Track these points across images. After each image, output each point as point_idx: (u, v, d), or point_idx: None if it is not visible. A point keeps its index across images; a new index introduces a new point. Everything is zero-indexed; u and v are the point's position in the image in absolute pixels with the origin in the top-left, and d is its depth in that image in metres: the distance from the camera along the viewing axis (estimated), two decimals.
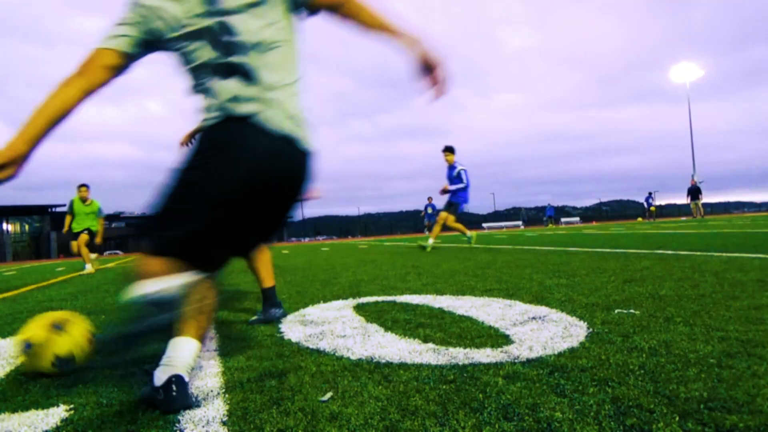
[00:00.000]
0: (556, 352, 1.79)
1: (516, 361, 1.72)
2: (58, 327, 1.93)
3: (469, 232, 8.95)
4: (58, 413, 1.49)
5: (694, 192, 24.88)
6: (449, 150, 8.97)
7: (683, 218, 32.96)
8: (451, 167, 8.86)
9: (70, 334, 1.93)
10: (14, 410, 1.55)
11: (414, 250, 9.73)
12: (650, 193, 31.77)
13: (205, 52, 1.41)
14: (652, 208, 32.05)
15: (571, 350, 1.80)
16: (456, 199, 8.73)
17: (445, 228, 8.85)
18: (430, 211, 23.55)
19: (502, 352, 1.84)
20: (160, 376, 1.44)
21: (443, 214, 8.71)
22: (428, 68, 1.47)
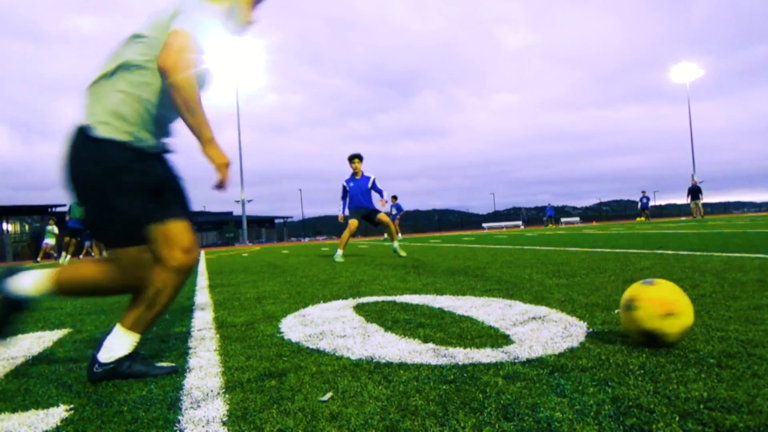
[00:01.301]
0: (556, 352, 1.79)
1: (516, 361, 1.72)
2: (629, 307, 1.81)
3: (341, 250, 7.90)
4: (58, 413, 1.49)
5: (695, 192, 24.92)
6: (360, 158, 8.12)
7: (683, 218, 32.85)
8: (365, 177, 8.07)
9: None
10: (14, 410, 1.55)
11: (413, 249, 9.73)
12: (644, 193, 28.42)
13: None
14: (641, 218, 28.53)
15: (571, 350, 1.80)
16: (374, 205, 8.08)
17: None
18: (394, 212, 22.30)
19: (502, 352, 1.84)
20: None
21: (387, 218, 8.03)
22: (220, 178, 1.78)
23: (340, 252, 7.79)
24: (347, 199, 8.20)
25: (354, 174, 8.10)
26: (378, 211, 7.98)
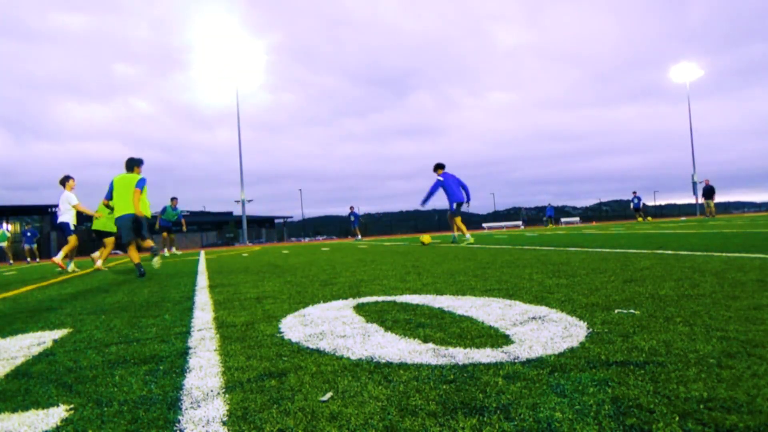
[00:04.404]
0: (556, 352, 1.79)
1: (516, 361, 1.72)
2: None
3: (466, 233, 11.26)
4: (58, 413, 1.49)
5: (709, 192, 25.71)
6: (442, 166, 11.58)
7: (683, 218, 32.82)
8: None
9: None
10: (14, 410, 1.55)
11: (413, 249, 9.73)
12: (635, 193, 28.79)
13: None
14: (640, 218, 28.73)
15: (571, 350, 1.80)
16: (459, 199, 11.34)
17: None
18: (353, 219, 27.07)
19: (502, 352, 1.84)
20: None
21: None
22: None
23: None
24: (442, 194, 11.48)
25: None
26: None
